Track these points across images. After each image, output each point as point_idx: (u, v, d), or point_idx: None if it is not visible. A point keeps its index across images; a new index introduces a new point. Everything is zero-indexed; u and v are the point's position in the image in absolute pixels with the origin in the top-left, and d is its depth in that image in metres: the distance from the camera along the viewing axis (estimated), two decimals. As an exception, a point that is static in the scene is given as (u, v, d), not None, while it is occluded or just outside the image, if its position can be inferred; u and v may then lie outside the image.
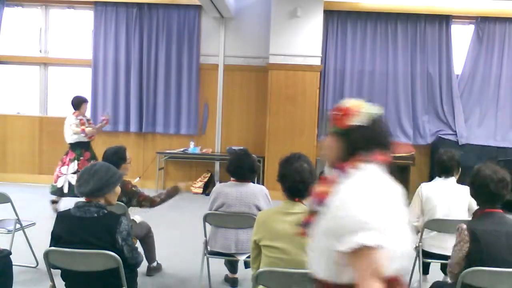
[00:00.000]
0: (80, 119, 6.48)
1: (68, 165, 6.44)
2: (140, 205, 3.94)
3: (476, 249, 2.64)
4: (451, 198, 3.78)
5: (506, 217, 2.75)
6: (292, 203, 2.65)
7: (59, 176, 6.43)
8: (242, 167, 3.81)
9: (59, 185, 6.40)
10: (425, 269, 4.11)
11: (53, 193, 6.50)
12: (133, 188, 3.92)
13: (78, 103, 6.58)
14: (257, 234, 2.68)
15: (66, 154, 6.55)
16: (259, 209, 3.72)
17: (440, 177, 3.92)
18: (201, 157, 8.58)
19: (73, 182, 6.20)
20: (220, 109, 8.71)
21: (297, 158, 2.71)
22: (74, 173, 6.33)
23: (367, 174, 1.73)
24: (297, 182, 2.62)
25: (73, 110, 6.58)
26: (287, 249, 2.56)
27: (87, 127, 6.50)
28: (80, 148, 6.52)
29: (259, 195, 3.79)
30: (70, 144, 6.54)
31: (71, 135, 6.50)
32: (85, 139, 6.53)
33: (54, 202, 6.55)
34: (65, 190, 6.38)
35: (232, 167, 3.86)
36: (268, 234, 2.62)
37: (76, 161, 6.45)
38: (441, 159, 3.89)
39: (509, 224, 2.70)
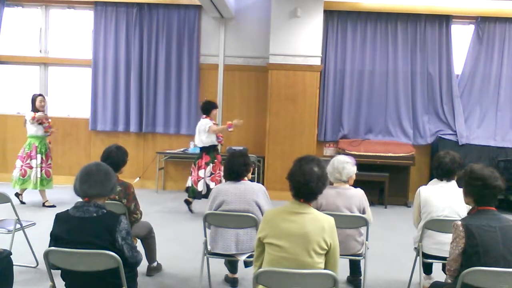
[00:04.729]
0: (214, 123, 6.60)
1: (204, 168, 6.50)
2: (134, 212, 3.96)
3: (471, 244, 2.68)
4: (454, 202, 3.72)
5: (500, 214, 2.81)
6: (298, 203, 2.64)
7: (199, 180, 6.51)
8: (232, 169, 3.86)
9: (199, 188, 6.49)
10: (429, 269, 4.11)
11: (193, 196, 6.64)
12: (134, 193, 3.94)
13: (208, 108, 6.64)
14: (263, 232, 2.67)
15: (200, 158, 6.59)
16: (258, 206, 3.76)
17: (441, 180, 3.88)
18: (201, 157, 8.56)
19: (211, 184, 6.39)
20: (220, 109, 8.70)
21: (310, 160, 2.68)
22: (209, 176, 6.48)
23: None
24: (300, 183, 2.61)
25: (204, 115, 6.65)
26: (291, 248, 2.55)
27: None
28: (213, 151, 6.60)
29: (258, 192, 3.82)
30: (203, 148, 6.58)
31: (204, 139, 6.52)
32: (216, 143, 6.61)
33: (188, 202, 6.82)
34: (204, 192, 6.47)
35: (224, 173, 3.96)
36: (273, 232, 2.62)
37: (211, 164, 6.50)
38: (443, 162, 3.82)
39: (503, 220, 2.76)
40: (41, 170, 6.77)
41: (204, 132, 6.53)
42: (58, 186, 8.40)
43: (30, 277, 4.21)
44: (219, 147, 6.92)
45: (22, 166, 6.79)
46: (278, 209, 2.75)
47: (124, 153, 3.98)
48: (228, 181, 3.90)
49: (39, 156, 6.78)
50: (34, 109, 6.81)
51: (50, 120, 7.01)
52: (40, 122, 6.76)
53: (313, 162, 2.67)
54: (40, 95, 6.96)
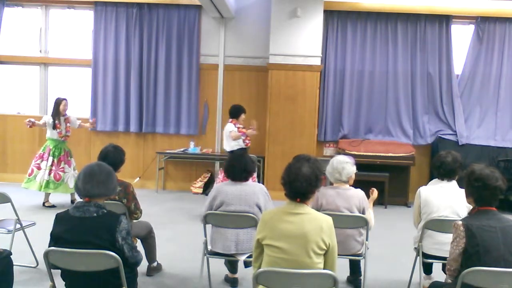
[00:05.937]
0: (238, 128, 6.48)
1: None
2: (135, 212, 3.95)
3: (472, 244, 2.68)
4: (454, 202, 3.73)
5: (501, 214, 2.81)
6: (295, 203, 2.63)
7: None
8: (234, 168, 3.86)
9: None
10: (429, 269, 4.11)
11: None
12: (134, 193, 3.93)
13: (236, 111, 6.56)
14: (261, 233, 2.67)
15: None
16: (259, 207, 3.75)
17: (442, 180, 3.87)
18: (201, 157, 8.58)
19: None
20: (220, 109, 8.71)
21: (303, 159, 2.67)
22: None
23: None
24: (286, 182, 2.63)
25: (231, 119, 6.55)
26: (289, 249, 2.55)
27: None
28: None
29: (259, 193, 3.82)
30: (231, 152, 6.43)
31: (231, 143, 6.45)
32: (244, 145, 6.51)
33: None
34: None
35: (225, 169, 3.94)
36: (271, 233, 2.61)
37: None
38: (445, 162, 3.81)
39: (503, 221, 2.76)
40: (49, 173, 6.76)
41: (229, 136, 6.46)
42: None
43: (30, 277, 4.21)
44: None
45: (32, 165, 6.84)
46: (276, 210, 2.75)
47: (121, 153, 3.98)
48: (231, 181, 3.90)
49: (50, 158, 6.80)
50: (56, 113, 6.87)
51: (69, 125, 6.99)
52: (54, 126, 6.83)
53: (305, 161, 2.65)
54: (64, 99, 7.00)
